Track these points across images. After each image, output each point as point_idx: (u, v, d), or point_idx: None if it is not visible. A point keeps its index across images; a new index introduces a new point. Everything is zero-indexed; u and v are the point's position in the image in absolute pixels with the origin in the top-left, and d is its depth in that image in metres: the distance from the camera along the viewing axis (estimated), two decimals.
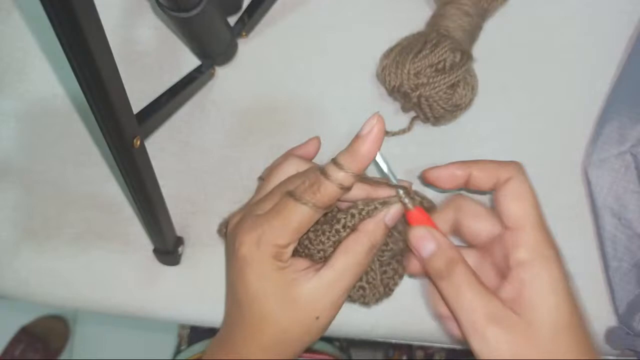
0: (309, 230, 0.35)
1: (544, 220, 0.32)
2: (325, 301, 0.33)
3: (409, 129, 0.45)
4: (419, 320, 0.42)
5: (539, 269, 0.30)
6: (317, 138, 0.42)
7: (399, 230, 0.36)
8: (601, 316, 0.41)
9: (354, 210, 0.34)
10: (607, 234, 0.41)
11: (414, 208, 0.34)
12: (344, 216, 0.34)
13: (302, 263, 0.34)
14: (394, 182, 0.34)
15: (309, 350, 0.84)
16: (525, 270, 0.30)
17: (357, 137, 0.32)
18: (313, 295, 0.33)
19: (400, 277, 0.39)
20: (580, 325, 0.31)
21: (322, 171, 0.32)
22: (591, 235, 0.42)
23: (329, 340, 0.88)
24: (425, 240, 0.33)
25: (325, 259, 0.34)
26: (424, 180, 0.36)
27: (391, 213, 0.34)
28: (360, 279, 0.37)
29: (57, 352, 1.12)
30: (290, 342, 0.34)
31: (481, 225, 0.34)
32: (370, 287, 0.37)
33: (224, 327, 0.37)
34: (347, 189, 0.32)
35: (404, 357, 0.94)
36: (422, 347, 0.90)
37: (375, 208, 0.34)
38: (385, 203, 0.34)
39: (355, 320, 0.42)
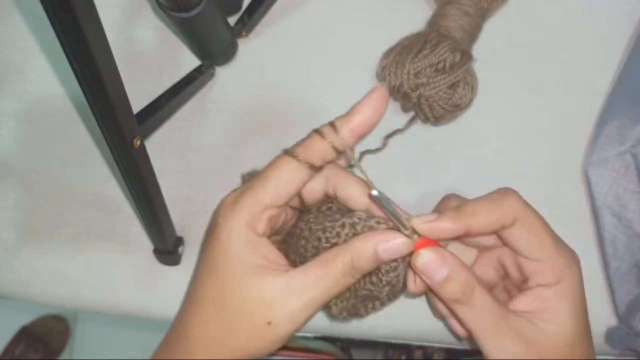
0: (297, 231, 0.33)
1: (558, 240, 0.31)
2: (283, 308, 0.29)
3: (405, 128, 0.44)
4: (418, 320, 0.42)
5: (564, 289, 0.30)
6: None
7: (386, 279, 0.32)
8: (601, 316, 0.41)
9: (346, 220, 0.31)
10: (607, 234, 0.41)
11: (418, 238, 0.30)
12: (334, 223, 0.31)
13: (278, 257, 0.31)
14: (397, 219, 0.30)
15: (309, 350, 0.85)
16: (549, 292, 0.30)
17: (358, 103, 0.30)
18: (271, 296, 0.29)
19: (376, 309, 0.34)
20: (589, 332, 0.32)
21: (317, 129, 0.31)
22: (591, 235, 0.42)
23: (330, 340, 0.88)
24: (435, 266, 0.30)
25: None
26: (415, 228, 0.31)
27: (390, 244, 0.30)
28: None
29: (57, 352, 1.12)
30: (234, 339, 0.30)
31: (486, 238, 0.34)
32: (338, 305, 0.34)
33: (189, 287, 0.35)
34: (339, 151, 0.30)
35: (403, 357, 0.94)
36: (421, 347, 0.90)
37: (371, 227, 0.30)
38: (382, 223, 0.30)
39: (356, 321, 0.42)
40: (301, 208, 0.35)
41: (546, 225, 0.31)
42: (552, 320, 0.30)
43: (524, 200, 0.31)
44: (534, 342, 0.30)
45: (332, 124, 0.30)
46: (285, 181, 0.30)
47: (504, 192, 0.31)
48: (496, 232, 0.32)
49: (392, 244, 0.30)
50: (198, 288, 0.32)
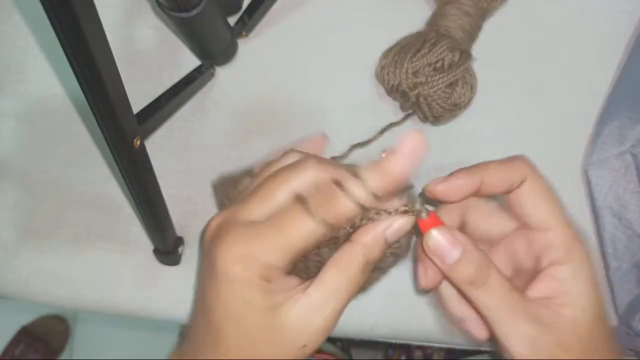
0: None
1: (568, 215, 0.31)
2: (314, 327, 0.28)
3: (399, 123, 0.44)
4: (418, 320, 0.42)
5: (577, 267, 0.29)
6: (323, 135, 0.38)
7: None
8: None
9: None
10: (607, 234, 0.41)
11: (427, 216, 0.29)
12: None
13: (289, 281, 0.29)
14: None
15: None
16: (563, 270, 0.29)
17: (392, 152, 0.27)
18: (300, 322, 0.28)
19: (379, 279, 0.34)
20: (606, 315, 0.30)
21: (338, 182, 0.27)
22: (591, 235, 0.42)
23: (330, 340, 0.88)
24: (448, 246, 0.29)
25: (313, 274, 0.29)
26: (429, 196, 0.31)
27: (395, 227, 0.29)
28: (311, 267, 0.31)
29: (57, 352, 1.12)
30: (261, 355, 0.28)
31: (491, 225, 0.33)
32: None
33: (188, 348, 0.31)
34: (365, 210, 0.28)
35: (403, 357, 0.94)
36: (420, 347, 0.90)
37: (371, 219, 0.29)
38: (381, 214, 0.29)
39: (355, 320, 0.42)
40: None
41: (555, 194, 0.31)
42: (571, 304, 0.28)
43: (535, 166, 0.31)
44: (552, 327, 0.28)
45: (356, 175, 0.27)
46: (301, 244, 0.28)
47: (515, 155, 0.32)
48: (508, 192, 0.31)
49: (396, 226, 0.29)
50: (214, 323, 0.29)
